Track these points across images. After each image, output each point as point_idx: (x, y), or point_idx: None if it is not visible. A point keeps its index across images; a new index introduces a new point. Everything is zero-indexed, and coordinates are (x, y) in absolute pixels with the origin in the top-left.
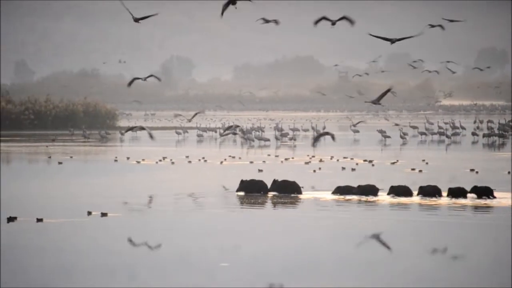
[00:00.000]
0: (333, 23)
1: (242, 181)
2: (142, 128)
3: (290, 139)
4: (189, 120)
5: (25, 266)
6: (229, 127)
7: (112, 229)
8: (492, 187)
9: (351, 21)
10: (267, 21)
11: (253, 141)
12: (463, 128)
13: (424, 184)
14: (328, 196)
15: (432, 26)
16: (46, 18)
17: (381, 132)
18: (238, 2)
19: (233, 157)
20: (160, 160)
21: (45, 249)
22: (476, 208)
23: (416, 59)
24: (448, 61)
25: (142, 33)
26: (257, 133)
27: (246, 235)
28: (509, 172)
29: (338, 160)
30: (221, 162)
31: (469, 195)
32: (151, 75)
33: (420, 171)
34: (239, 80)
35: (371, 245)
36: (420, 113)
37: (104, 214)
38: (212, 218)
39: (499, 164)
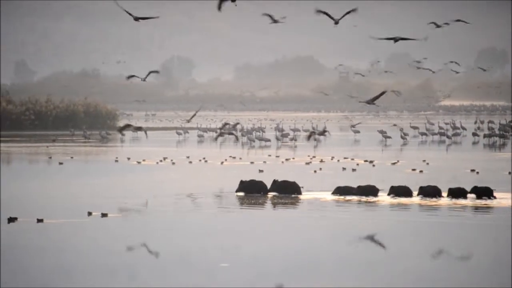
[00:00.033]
0: (336, 22)
1: (241, 182)
2: (137, 129)
3: (291, 139)
4: (188, 121)
5: (26, 266)
6: (225, 125)
7: (112, 229)
8: (492, 188)
9: (354, 10)
10: (274, 21)
11: (254, 141)
12: (463, 128)
13: (425, 184)
14: (328, 196)
15: (438, 26)
16: (46, 18)
17: (382, 132)
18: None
19: (234, 157)
20: (161, 161)
21: (46, 250)
22: (476, 208)
23: (416, 59)
24: (451, 61)
25: (142, 33)
26: (258, 133)
27: (246, 235)
28: (509, 173)
29: (338, 160)
30: (222, 163)
31: (469, 195)
32: (150, 72)
33: (421, 171)
34: (239, 80)
35: (371, 245)
36: (420, 113)
37: (104, 215)
38: (212, 218)
39: (499, 164)
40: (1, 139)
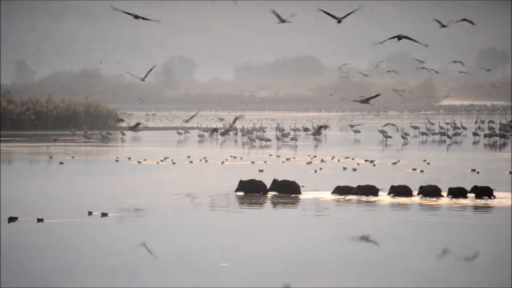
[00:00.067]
0: (339, 21)
1: (241, 181)
2: (136, 125)
3: (291, 139)
4: (187, 121)
5: (26, 266)
6: (228, 129)
7: (112, 229)
8: (493, 187)
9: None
10: (282, 21)
11: (254, 141)
12: (464, 128)
13: (425, 184)
14: (328, 196)
15: (443, 25)
16: (46, 18)
17: (382, 132)
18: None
19: (234, 157)
20: (162, 160)
21: (46, 249)
22: (476, 208)
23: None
24: (455, 61)
25: (142, 33)
26: (258, 133)
27: (245, 235)
28: (510, 172)
29: (339, 160)
30: (222, 162)
31: (469, 195)
32: (148, 72)
33: (422, 171)
34: (240, 80)
35: (371, 245)
36: (421, 113)
37: (104, 214)
38: (212, 218)
39: (500, 164)
40: (2, 139)
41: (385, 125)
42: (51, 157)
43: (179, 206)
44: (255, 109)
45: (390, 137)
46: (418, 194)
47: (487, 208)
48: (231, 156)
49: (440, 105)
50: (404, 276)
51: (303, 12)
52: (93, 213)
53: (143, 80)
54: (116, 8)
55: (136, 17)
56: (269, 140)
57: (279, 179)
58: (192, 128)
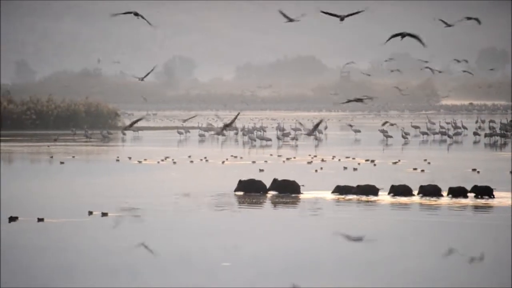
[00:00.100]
0: (342, 19)
1: (240, 181)
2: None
3: (292, 139)
4: (185, 121)
5: (26, 265)
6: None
7: (113, 229)
8: (493, 187)
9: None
10: (290, 20)
11: (255, 140)
12: (465, 128)
13: (426, 183)
14: (328, 195)
15: (448, 25)
16: (46, 18)
17: (383, 131)
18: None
19: (235, 157)
20: (162, 160)
21: (46, 249)
22: (477, 208)
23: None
24: (459, 61)
25: (143, 33)
26: (259, 133)
27: (246, 235)
28: (511, 172)
29: (340, 160)
30: (223, 162)
31: (469, 194)
32: (149, 72)
33: (422, 170)
34: (240, 80)
35: (371, 245)
36: (422, 113)
37: (104, 214)
38: (213, 218)
39: (500, 164)
40: (3, 138)
41: (384, 123)
42: (51, 157)
43: (180, 205)
44: (256, 109)
45: (390, 136)
46: (418, 193)
47: (487, 207)
48: (231, 155)
49: (440, 105)
50: (404, 276)
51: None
52: (94, 213)
53: (142, 79)
54: (116, 13)
55: (136, 14)
56: (270, 139)
57: (280, 179)
58: (193, 127)
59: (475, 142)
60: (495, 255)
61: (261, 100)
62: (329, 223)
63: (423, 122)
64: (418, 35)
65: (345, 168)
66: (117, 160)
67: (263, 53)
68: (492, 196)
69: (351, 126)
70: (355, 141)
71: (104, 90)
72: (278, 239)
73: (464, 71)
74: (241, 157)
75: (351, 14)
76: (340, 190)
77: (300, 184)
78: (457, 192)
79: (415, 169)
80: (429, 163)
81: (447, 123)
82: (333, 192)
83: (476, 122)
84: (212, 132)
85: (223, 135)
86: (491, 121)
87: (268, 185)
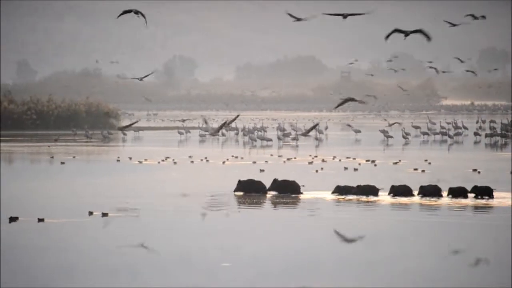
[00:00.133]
0: (345, 17)
1: (240, 181)
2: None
3: (293, 139)
4: (184, 120)
5: (26, 266)
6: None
7: (113, 229)
8: (494, 187)
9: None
10: (298, 19)
11: (256, 141)
12: (465, 128)
13: (426, 184)
14: (328, 196)
15: (453, 25)
16: (47, 18)
17: (384, 132)
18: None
19: (236, 157)
20: (163, 160)
21: (46, 249)
22: (477, 208)
23: (419, 59)
24: (463, 61)
25: (144, 33)
26: (260, 133)
27: (246, 235)
28: (511, 172)
29: (340, 160)
30: (224, 162)
31: (469, 194)
32: (148, 74)
33: (423, 171)
34: (241, 80)
35: (371, 245)
36: (422, 113)
37: (104, 214)
38: (213, 218)
39: (501, 164)
40: (3, 138)
41: (391, 124)
42: (52, 157)
43: (180, 206)
44: (256, 109)
45: (391, 137)
46: (418, 194)
47: (487, 208)
48: (232, 156)
49: (441, 105)
50: (404, 276)
51: (303, 12)
52: (94, 213)
53: (141, 79)
54: (119, 15)
55: (136, 12)
56: (270, 140)
57: (280, 179)
58: (194, 128)
59: (475, 142)
60: (495, 255)
61: (261, 100)
62: (329, 223)
63: (423, 122)
64: (422, 29)
65: (345, 168)
66: (118, 160)
67: (263, 53)
68: (492, 197)
69: (350, 126)
70: (355, 141)
71: (104, 90)
72: (278, 239)
73: (468, 71)
74: (241, 158)
75: (354, 14)
76: (340, 190)
77: (300, 184)
78: (457, 192)
79: (415, 169)
80: (429, 163)
81: (448, 123)
82: (333, 192)
83: (477, 122)
84: (207, 132)
85: (223, 135)
86: (491, 121)
87: (268, 185)
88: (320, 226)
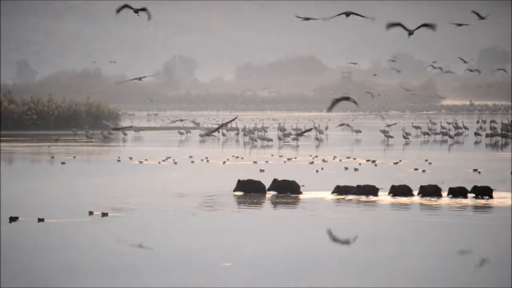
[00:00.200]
0: (348, 15)
1: (239, 181)
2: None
3: (293, 139)
4: (181, 120)
5: (26, 266)
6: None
7: (113, 229)
8: (494, 187)
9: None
10: (306, 19)
11: (256, 141)
12: (466, 128)
13: (427, 184)
14: (327, 196)
15: (459, 24)
16: (47, 18)
17: (384, 132)
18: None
19: (236, 157)
20: (163, 160)
21: (47, 249)
22: (477, 208)
23: (419, 59)
24: (466, 61)
25: (144, 33)
26: (260, 133)
27: (246, 234)
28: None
29: (341, 160)
30: (224, 162)
31: (469, 194)
32: (147, 76)
33: (423, 171)
34: (241, 80)
35: (371, 245)
36: (423, 113)
37: (104, 214)
38: (213, 217)
39: (502, 164)
40: (4, 138)
41: (390, 125)
42: (52, 157)
43: (180, 206)
44: (257, 109)
45: (391, 137)
46: (418, 193)
47: (487, 208)
48: (232, 156)
49: (441, 105)
50: (404, 276)
51: (303, 12)
52: (94, 213)
53: (140, 79)
54: (118, 9)
55: (136, 11)
56: (271, 140)
57: (280, 179)
58: (194, 128)
59: (476, 143)
60: (495, 255)
61: (262, 100)
62: (329, 223)
63: (424, 122)
64: (425, 23)
65: (346, 168)
66: (118, 160)
67: (263, 53)
68: (491, 197)
69: (348, 125)
70: (355, 141)
71: (105, 90)
72: (278, 239)
73: (472, 70)
74: (242, 158)
75: (357, 14)
76: (340, 190)
77: (300, 184)
78: (457, 192)
79: (416, 169)
80: (430, 163)
81: (448, 123)
82: (333, 192)
83: (477, 122)
84: (202, 132)
85: (223, 135)
86: (492, 121)
87: (268, 185)
88: (320, 226)
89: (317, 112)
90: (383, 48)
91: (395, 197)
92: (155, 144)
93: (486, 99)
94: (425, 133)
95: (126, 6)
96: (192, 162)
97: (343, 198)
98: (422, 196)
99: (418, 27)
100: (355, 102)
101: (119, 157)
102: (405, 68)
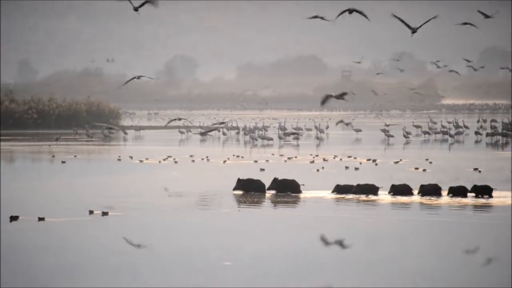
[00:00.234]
0: (351, 12)
1: (239, 180)
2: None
3: (294, 138)
4: (179, 119)
5: (26, 265)
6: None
7: (113, 228)
8: (494, 186)
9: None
10: (314, 17)
11: (256, 140)
12: (466, 127)
13: (427, 183)
14: (327, 195)
15: (466, 23)
16: (48, 17)
17: (385, 131)
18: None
19: (237, 156)
20: (164, 159)
21: (47, 248)
22: (477, 207)
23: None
24: (469, 61)
25: (145, 33)
26: (260, 132)
27: (246, 234)
28: None
29: (341, 159)
30: (224, 162)
31: (469, 194)
32: (145, 76)
33: (424, 170)
34: (242, 79)
35: (371, 245)
36: (423, 112)
37: (105, 213)
38: (213, 217)
39: (502, 163)
40: (4, 137)
41: (388, 125)
42: (53, 156)
43: (181, 205)
44: (257, 108)
45: (392, 136)
46: (418, 193)
47: (487, 207)
48: (233, 155)
49: (442, 104)
50: (404, 276)
51: (304, 11)
52: (94, 212)
53: (139, 78)
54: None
55: (136, 9)
56: (271, 139)
57: (280, 178)
58: (195, 127)
59: (476, 142)
60: (495, 255)
61: (262, 100)
62: (329, 223)
63: (424, 121)
64: (430, 19)
65: (346, 167)
66: (119, 160)
67: (264, 52)
68: (491, 196)
69: (347, 124)
70: (356, 140)
71: (105, 89)
72: (278, 239)
73: (476, 69)
74: (242, 157)
75: (361, 13)
76: (340, 189)
77: (300, 183)
78: (457, 191)
79: (416, 168)
80: (430, 162)
81: (449, 122)
82: (333, 191)
83: (478, 121)
84: (197, 132)
85: (224, 134)
86: (492, 120)
87: (268, 184)
88: (320, 226)
89: (317, 111)
90: (384, 47)
91: (395, 196)
92: (155, 143)
93: (487, 98)
94: (425, 132)
95: (147, 1)
96: (193, 161)
97: (343, 197)
98: (422, 195)
99: (422, 25)
100: (342, 98)
101: (119, 156)
102: (405, 68)
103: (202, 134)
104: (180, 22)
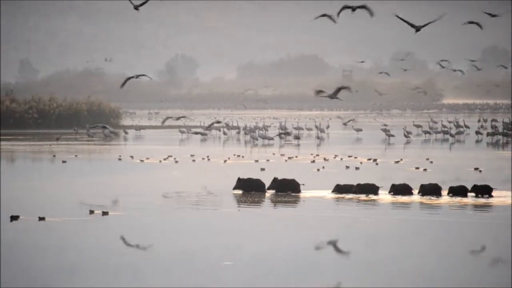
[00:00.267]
0: (354, 9)
1: (239, 179)
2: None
3: (294, 138)
4: (178, 119)
5: (27, 265)
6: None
7: (114, 228)
8: (495, 186)
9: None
10: (323, 15)
11: (257, 139)
12: (467, 127)
13: (427, 183)
14: (327, 194)
15: (471, 22)
16: (49, 17)
17: (385, 130)
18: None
19: (237, 156)
20: (165, 159)
21: (47, 248)
22: (477, 206)
23: (420, 58)
24: (473, 61)
25: (146, 32)
26: (261, 131)
27: (247, 233)
28: None
29: (342, 158)
30: (225, 161)
31: (469, 193)
32: (143, 75)
33: (425, 170)
34: (243, 79)
35: (371, 245)
36: (424, 112)
37: (105, 213)
38: (213, 216)
39: (503, 163)
40: (5, 137)
41: (384, 125)
42: (54, 156)
43: (181, 204)
44: (258, 108)
45: (392, 135)
46: (418, 192)
47: (487, 206)
48: (233, 154)
49: (442, 104)
50: (404, 276)
51: (304, 11)
52: (95, 212)
53: (137, 77)
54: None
55: (136, 8)
56: (272, 138)
57: (280, 178)
58: (195, 126)
59: (477, 141)
60: (495, 255)
61: (263, 99)
62: (329, 222)
63: (425, 121)
64: (436, 18)
65: (347, 167)
66: (119, 159)
67: (264, 52)
68: (491, 195)
69: (346, 124)
70: (356, 140)
71: (106, 89)
72: (278, 238)
73: (479, 69)
74: (243, 156)
75: (365, 7)
76: (340, 189)
77: (300, 183)
78: (457, 191)
79: (417, 168)
80: (431, 162)
81: (449, 122)
82: (333, 191)
83: (478, 121)
84: (193, 131)
85: (224, 134)
86: (493, 120)
87: (268, 183)
88: (320, 226)
89: (318, 111)
90: (384, 47)
91: (396, 196)
92: (156, 142)
93: (487, 98)
94: (426, 132)
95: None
96: (193, 160)
97: (343, 197)
98: (423, 195)
99: (427, 24)
100: (335, 97)
101: (120, 156)
102: (405, 67)
103: (196, 133)
104: (180, 22)
